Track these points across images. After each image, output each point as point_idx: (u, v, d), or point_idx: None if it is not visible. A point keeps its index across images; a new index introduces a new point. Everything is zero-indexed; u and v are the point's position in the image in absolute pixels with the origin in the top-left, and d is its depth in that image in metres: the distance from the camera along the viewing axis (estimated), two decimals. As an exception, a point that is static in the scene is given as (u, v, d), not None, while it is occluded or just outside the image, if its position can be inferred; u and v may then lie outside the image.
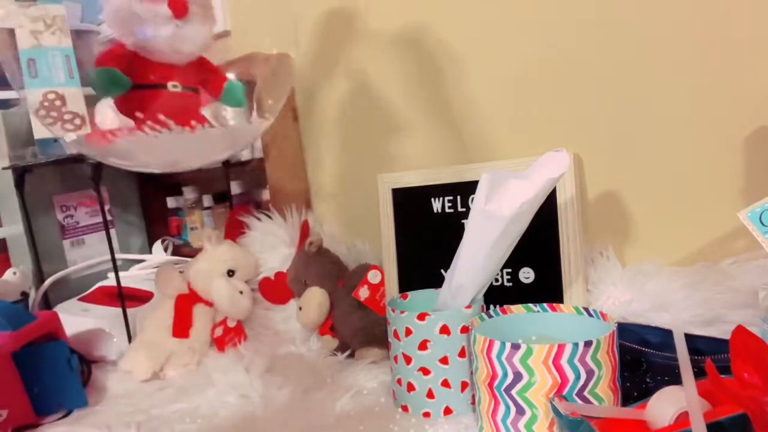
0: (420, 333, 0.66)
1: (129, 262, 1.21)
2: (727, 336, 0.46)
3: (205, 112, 0.67)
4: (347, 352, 0.85)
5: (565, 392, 0.53)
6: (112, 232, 1.26)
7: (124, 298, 0.94)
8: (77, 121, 0.60)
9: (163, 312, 0.91)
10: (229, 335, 0.93)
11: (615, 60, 0.74)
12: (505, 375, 0.55)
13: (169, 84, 0.61)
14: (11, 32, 0.58)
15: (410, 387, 0.67)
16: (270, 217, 1.03)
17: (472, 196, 0.80)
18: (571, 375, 0.53)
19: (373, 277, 0.86)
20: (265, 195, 1.10)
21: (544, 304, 0.66)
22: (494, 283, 0.81)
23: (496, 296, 0.80)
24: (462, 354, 0.66)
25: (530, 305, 0.66)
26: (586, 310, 0.63)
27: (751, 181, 0.68)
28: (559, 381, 0.53)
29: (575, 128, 0.79)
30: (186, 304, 0.91)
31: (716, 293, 0.67)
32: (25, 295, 1.05)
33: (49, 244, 1.15)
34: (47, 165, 1.03)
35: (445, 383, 0.66)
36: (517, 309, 0.67)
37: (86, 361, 0.86)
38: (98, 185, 0.94)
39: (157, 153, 0.62)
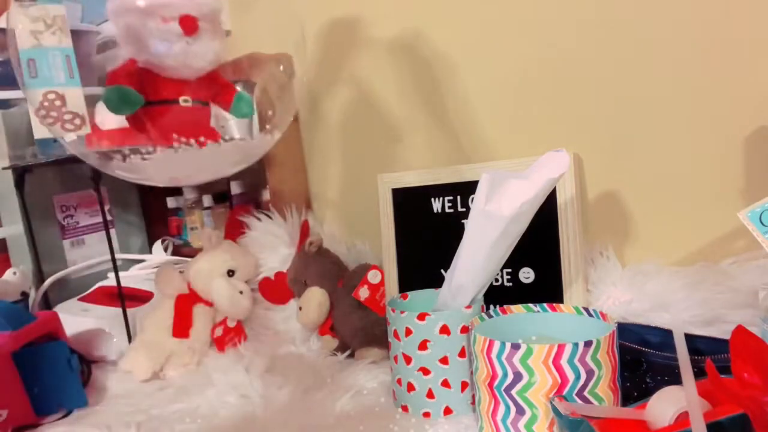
0: (420, 333, 0.66)
1: (129, 262, 1.21)
2: (727, 336, 0.46)
3: (213, 123, 0.68)
4: (347, 352, 0.85)
5: (565, 392, 0.53)
6: (112, 232, 1.26)
7: (124, 298, 0.94)
8: (77, 121, 0.60)
9: (163, 312, 0.91)
10: (229, 335, 0.93)
11: (615, 60, 0.74)
12: (505, 375, 0.55)
13: (181, 99, 0.61)
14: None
15: (410, 387, 0.67)
16: (270, 217, 1.03)
17: (472, 196, 0.80)
18: (571, 375, 0.53)
19: (373, 277, 0.86)
20: (265, 195, 1.10)
21: (544, 304, 0.66)
22: (494, 283, 0.81)
23: (496, 296, 0.80)
24: (462, 354, 0.66)
25: (530, 305, 0.66)
26: (586, 310, 0.63)
27: (751, 181, 0.68)
28: (559, 381, 0.53)
29: (575, 128, 0.79)
30: (186, 304, 0.91)
31: (716, 293, 0.67)
32: (25, 295, 1.05)
33: (49, 244, 1.15)
34: (47, 165, 1.03)
35: (445, 383, 0.66)
36: (517, 309, 0.67)
37: (86, 361, 0.86)
38: (98, 185, 0.94)
39: (166, 168, 0.62)
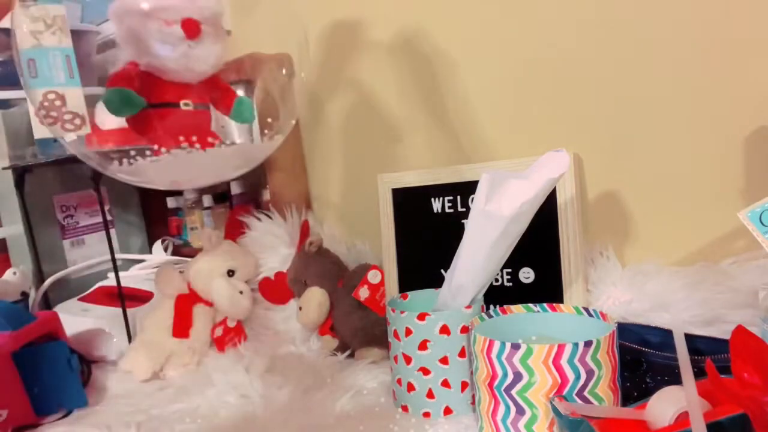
0: (420, 333, 0.66)
1: (129, 262, 1.21)
2: (727, 336, 0.46)
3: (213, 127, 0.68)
4: (347, 352, 0.85)
5: (565, 392, 0.53)
6: (112, 232, 1.26)
7: (124, 298, 0.94)
8: (77, 121, 0.60)
9: (163, 312, 0.91)
10: (229, 335, 0.93)
11: (615, 60, 0.74)
12: (505, 375, 0.55)
13: (181, 102, 0.61)
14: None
15: (410, 387, 0.67)
16: (270, 217, 1.03)
17: (472, 196, 0.80)
18: (571, 375, 0.53)
19: (373, 277, 0.86)
20: (265, 195, 1.10)
21: (544, 304, 0.66)
22: (494, 283, 0.81)
23: (496, 296, 0.80)
24: (462, 354, 0.66)
25: (530, 305, 0.66)
26: (586, 310, 0.63)
27: (751, 181, 0.68)
28: (559, 381, 0.53)
29: (575, 128, 0.79)
30: (186, 304, 0.91)
31: (716, 293, 0.67)
32: (25, 295, 1.05)
33: (49, 244, 1.15)
34: (47, 165, 1.03)
35: (445, 383, 0.66)
36: (517, 309, 0.67)
37: (86, 361, 0.86)
38: (98, 185, 0.94)
39: (167, 172, 0.62)
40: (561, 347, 0.53)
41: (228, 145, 0.67)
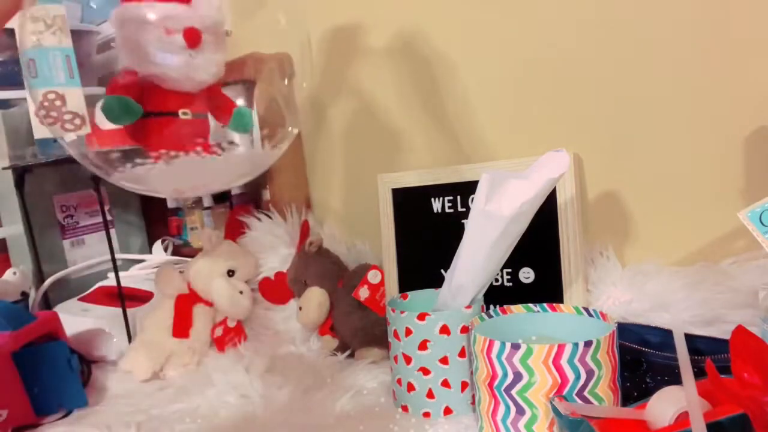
0: (420, 333, 0.66)
1: (129, 262, 1.21)
2: (727, 336, 0.46)
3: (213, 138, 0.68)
4: (347, 352, 0.85)
5: (565, 392, 0.53)
6: (112, 232, 1.26)
7: (124, 298, 0.94)
8: (77, 121, 0.60)
9: (163, 312, 0.91)
10: (229, 335, 0.93)
11: (615, 60, 0.74)
12: (505, 375, 0.55)
13: (180, 111, 0.61)
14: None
15: (410, 387, 0.67)
16: (270, 217, 1.03)
17: (472, 196, 0.80)
18: (571, 375, 0.53)
19: (373, 277, 0.86)
20: (265, 195, 1.10)
21: (544, 304, 0.66)
22: (494, 283, 0.81)
23: (496, 296, 0.80)
24: (462, 354, 0.66)
25: (530, 305, 0.66)
26: (586, 310, 0.63)
27: (751, 181, 0.68)
28: (559, 381, 0.53)
29: (575, 128, 0.79)
30: (186, 304, 0.91)
31: (716, 293, 0.67)
32: (25, 295, 1.05)
33: (49, 244, 1.15)
34: (47, 165, 1.03)
35: (445, 383, 0.66)
36: (517, 309, 0.67)
37: (86, 361, 0.86)
38: (98, 185, 0.94)
39: (170, 180, 0.62)
40: (561, 347, 0.53)
41: (230, 152, 0.67)
